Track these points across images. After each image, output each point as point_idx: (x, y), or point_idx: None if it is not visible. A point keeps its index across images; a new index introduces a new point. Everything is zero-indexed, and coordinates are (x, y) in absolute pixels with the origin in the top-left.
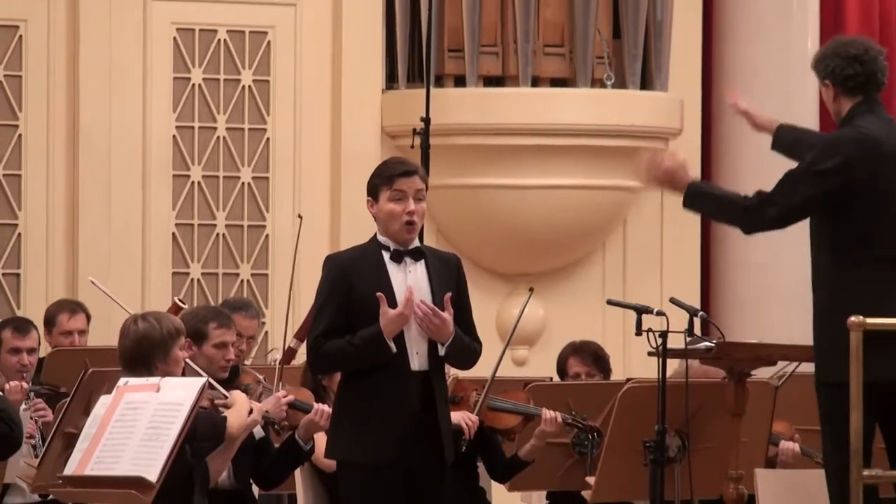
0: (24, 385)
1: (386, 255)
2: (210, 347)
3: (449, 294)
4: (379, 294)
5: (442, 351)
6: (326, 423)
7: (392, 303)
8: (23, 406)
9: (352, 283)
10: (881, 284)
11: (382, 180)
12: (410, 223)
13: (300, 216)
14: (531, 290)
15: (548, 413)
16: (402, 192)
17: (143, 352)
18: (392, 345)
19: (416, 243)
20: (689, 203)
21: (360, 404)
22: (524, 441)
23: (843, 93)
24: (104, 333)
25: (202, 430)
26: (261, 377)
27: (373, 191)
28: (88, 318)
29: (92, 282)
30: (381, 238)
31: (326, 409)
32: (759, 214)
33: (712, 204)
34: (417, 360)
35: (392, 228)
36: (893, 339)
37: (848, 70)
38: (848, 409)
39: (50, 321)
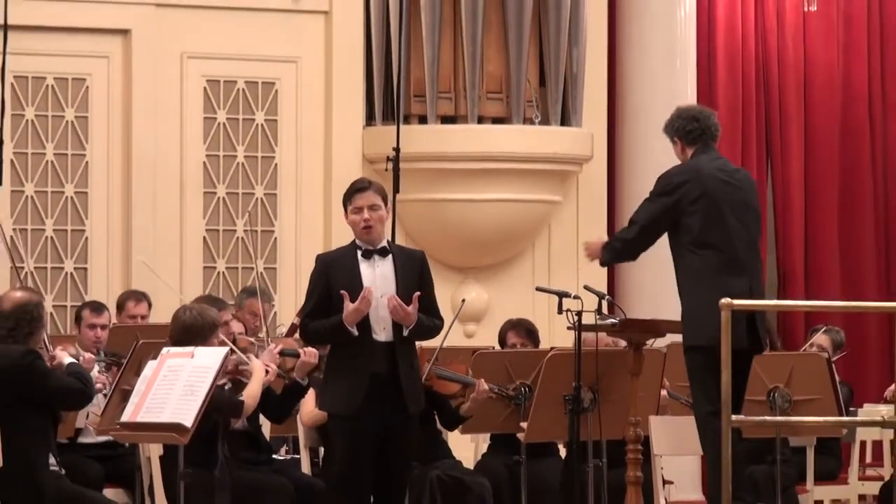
0: (93, 356)
1: (359, 254)
2: None
3: (418, 294)
4: (342, 292)
5: (406, 332)
6: (315, 360)
7: (360, 291)
8: (96, 369)
9: (330, 276)
10: (710, 270)
11: (346, 198)
12: (367, 227)
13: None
14: (463, 300)
15: (480, 384)
16: (358, 205)
17: (187, 338)
18: (354, 330)
19: (384, 243)
20: (607, 258)
21: (340, 367)
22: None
23: (686, 144)
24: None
25: (224, 409)
26: (252, 339)
27: (344, 206)
28: (150, 305)
29: (143, 262)
30: (357, 241)
31: (312, 350)
32: (627, 231)
33: (608, 245)
34: (384, 334)
35: (357, 233)
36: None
37: (689, 126)
38: (701, 368)
39: (120, 306)
